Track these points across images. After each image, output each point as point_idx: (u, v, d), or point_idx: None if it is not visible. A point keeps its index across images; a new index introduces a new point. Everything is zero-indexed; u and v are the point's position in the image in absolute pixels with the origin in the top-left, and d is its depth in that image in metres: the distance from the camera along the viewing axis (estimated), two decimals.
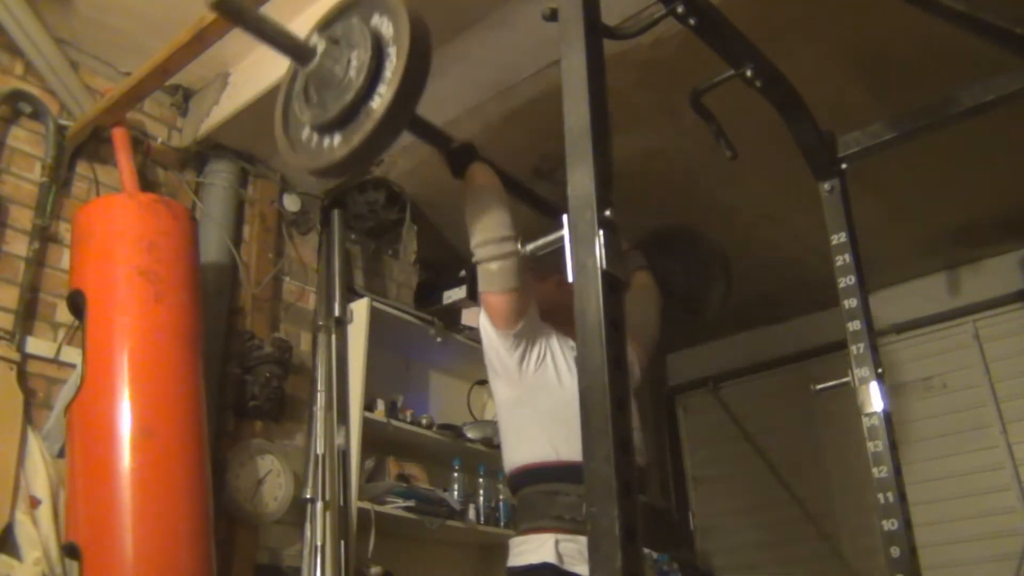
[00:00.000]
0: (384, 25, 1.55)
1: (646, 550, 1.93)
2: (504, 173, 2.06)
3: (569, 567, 1.75)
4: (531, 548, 1.81)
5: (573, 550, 1.76)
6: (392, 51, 1.50)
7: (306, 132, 1.60)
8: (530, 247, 1.70)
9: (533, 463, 1.90)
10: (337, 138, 1.54)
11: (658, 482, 4.44)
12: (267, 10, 2.20)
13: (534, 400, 1.92)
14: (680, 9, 1.42)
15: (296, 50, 1.55)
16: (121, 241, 2.22)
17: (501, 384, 1.98)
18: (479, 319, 1.98)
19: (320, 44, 1.54)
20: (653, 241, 2.70)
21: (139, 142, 2.73)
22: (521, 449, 1.94)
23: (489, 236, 1.87)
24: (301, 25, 2.53)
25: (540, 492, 1.86)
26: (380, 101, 1.46)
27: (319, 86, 1.54)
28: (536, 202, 2.26)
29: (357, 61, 1.50)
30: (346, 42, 1.55)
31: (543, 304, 2.04)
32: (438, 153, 2.04)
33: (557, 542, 1.77)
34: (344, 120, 1.51)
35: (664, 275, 2.61)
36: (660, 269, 2.61)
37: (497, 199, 1.94)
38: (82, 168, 2.59)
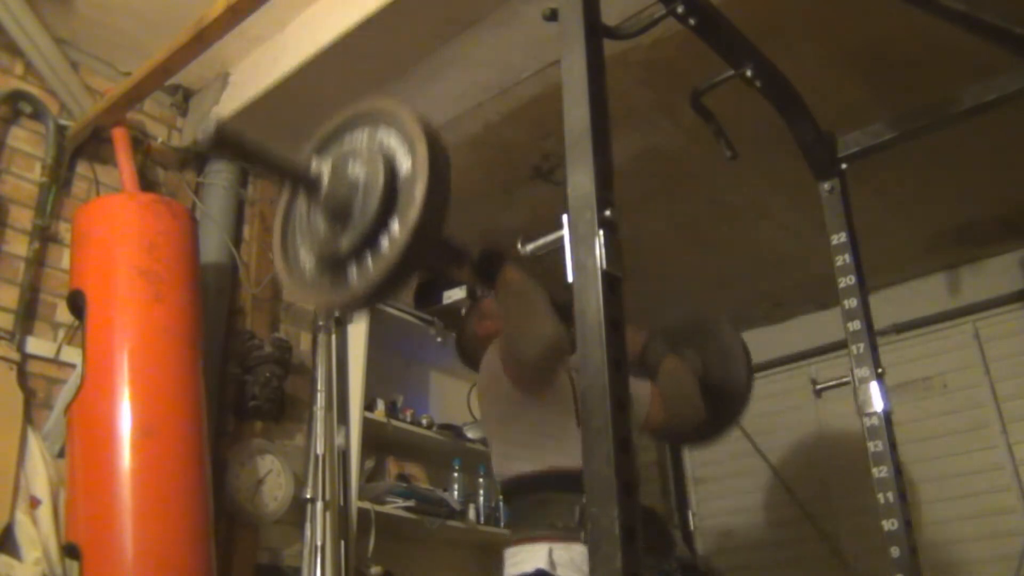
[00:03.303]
0: (394, 142, 1.32)
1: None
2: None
3: (562, 573, 1.76)
4: (525, 558, 1.82)
5: (565, 559, 1.78)
6: (406, 169, 1.26)
7: (309, 263, 1.38)
8: (530, 247, 1.70)
9: (522, 473, 1.91)
10: (342, 275, 1.31)
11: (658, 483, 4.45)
12: (267, 10, 2.22)
13: (524, 414, 1.92)
14: (680, 9, 1.42)
15: (305, 180, 1.34)
16: (121, 241, 2.21)
17: (490, 401, 2.00)
18: (491, 357, 1.95)
19: (325, 170, 1.32)
20: (670, 334, 2.46)
21: (139, 142, 2.72)
22: (509, 461, 1.96)
23: (548, 343, 1.79)
24: (302, 23, 2.55)
25: (531, 502, 1.87)
26: (397, 233, 1.22)
27: (327, 215, 1.31)
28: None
29: (368, 187, 1.27)
30: (353, 165, 1.31)
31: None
32: (461, 267, 1.96)
33: (551, 551, 1.78)
34: (349, 259, 1.28)
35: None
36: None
37: (543, 300, 1.86)
38: (82, 168, 2.59)
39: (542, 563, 1.77)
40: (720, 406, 2.34)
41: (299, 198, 1.41)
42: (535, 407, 1.91)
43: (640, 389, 2.14)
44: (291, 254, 1.40)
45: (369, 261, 1.24)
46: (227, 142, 1.21)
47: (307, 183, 1.32)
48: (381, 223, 1.23)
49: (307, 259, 1.36)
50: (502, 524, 3.26)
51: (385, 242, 1.22)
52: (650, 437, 2.32)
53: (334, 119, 1.40)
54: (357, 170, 1.28)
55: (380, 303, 1.33)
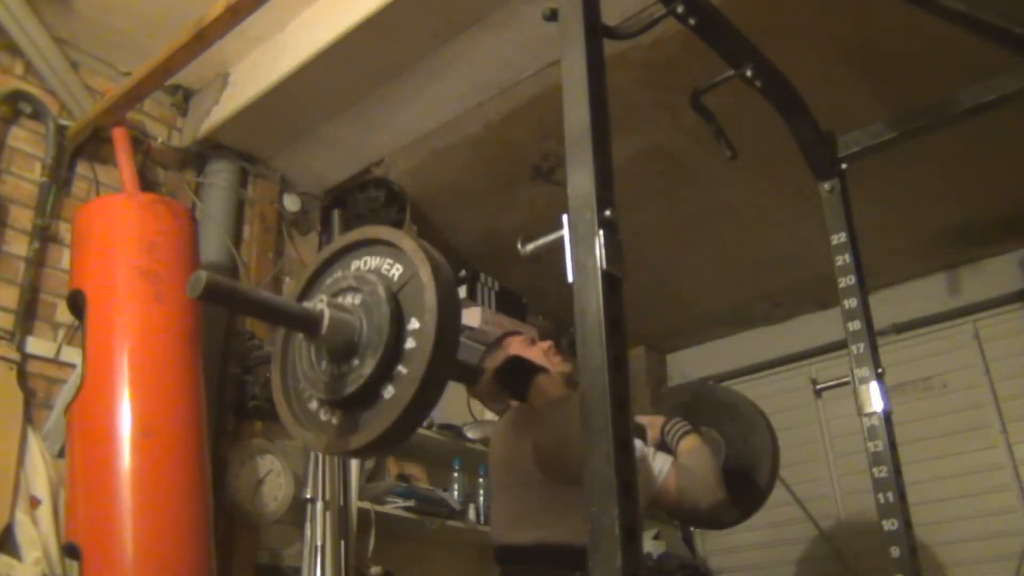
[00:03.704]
0: (375, 261, 1.30)
1: (655, 543, 1.86)
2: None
3: None
4: None
5: None
6: (399, 273, 1.25)
7: (312, 404, 1.32)
8: (530, 247, 1.69)
9: (519, 544, 1.84)
10: (348, 420, 1.25)
11: None
12: (267, 10, 2.22)
13: (538, 491, 1.83)
14: (680, 9, 1.42)
15: (304, 322, 1.26)
16: (121, 241, 2.22)
17: (505, 473, 1.92)
18: (520, 445, 1.85)
19: (321, 306, 1.26)
20: (688, 414, 2.28)
21: (139, 142, 2.72)
22: (509, 530, 1.89)
23: None
24: (302, 23, 2.55)
25: (524, 573, 1.82)
26: (420, 324, 1.20)
27: (334, 351, 1.26)
28: None
29: (371, 305, 1.24)
30: (345, 297, 1.28)
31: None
32: (475, 382, 1.90)
33: None
34: (355, 404, 1.23)
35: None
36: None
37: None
38: (82, 168, 2.59)
39: None
40: (743, 488, 2.15)
41: (292, 346, 1.35)
42: (552, 486, 1.81)
43: (663, 464, 2.02)
44: (297, 405, 1.33)
45: (401, 368, 1.19)
46: (217, 293, 1.13)
47: (306, 323, 1.24)
48: (400, 328, 1.20)
49: (324, 409, 1.28)
50: None
51: (411, 342, 1.19)
52: (665, 515, 2.20)
53: (303, 274, 1.37)
54: (351, 299, 1.25)
55: (394, 446, 1.23)
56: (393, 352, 1.19)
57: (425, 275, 1.19)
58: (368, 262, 1.30)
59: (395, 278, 1.25)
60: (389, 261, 1.28)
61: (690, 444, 2.08)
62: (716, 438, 2.23)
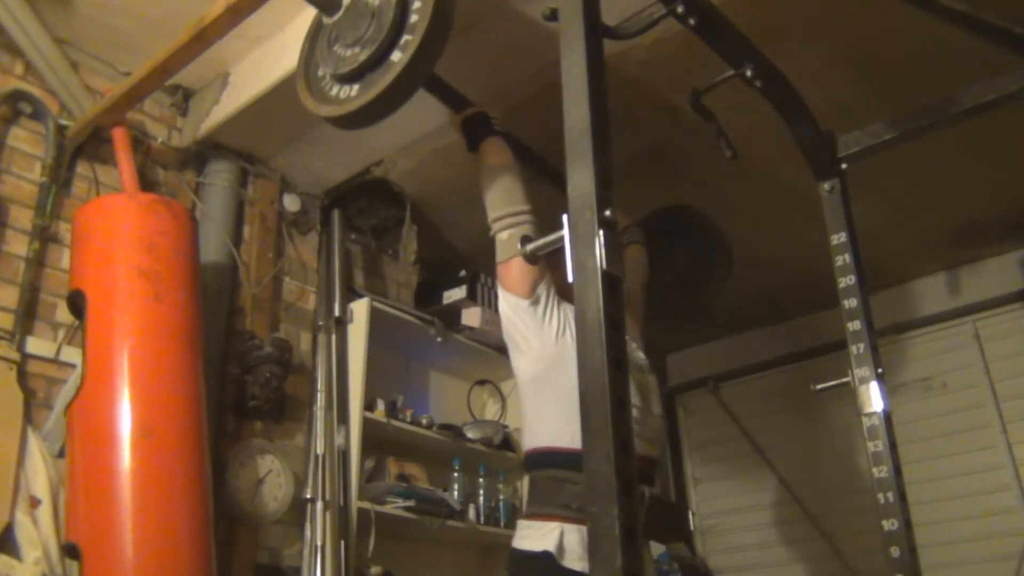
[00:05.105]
0: None
1: (654, 544, 1.94)
2: (522, 145, 2.10)
3: (568, 563, 1.73)
4: (535, 535, 1.79)
5: (576, 543, 1.74)
6: (417, 5, 1.53)
7: (327, 82, 1.65)
8: (530, 247, 1.71)
9: (547, 447, 1.88)
10: (356, 88, 1.57)
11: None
12: (267, 10, 2.22)
13: (555, 376, 1.88)
14: (680, 9, 1.42)
15: (322, 1, 1.61)
16: (121, 241, 2.21)
17: (523, 360, 1.97)
18: (500, 296, 2.02)
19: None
20: (656, 220, 2.76)
21: (139, 142, 2.72)
22: (539, 430, 1.93)
23: (502, 212, 1.97)
24: (302, 23, 2.54)
25: (549, 478, 1.85)
26: (401, 54, 1.49)
27: (343, 36, 1.58)
28: (555, 177, 2.29)
29: (381, 13, 1.54)
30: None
31: (561, 288, 2.04)
32: (452, 122, 2.08)
33: (562, 532, 1.75)
34: (365, 70, 1.55)
35: (664, 254, 2.69)
36: (660, 247, 2.67)
37: (511, 176, 2.00)
38: (82, 168, 2.59)
39: (551, 545, 1.74)
40: (696, 300, 2.80)
41: (321, 34, 1.67)
42: (566, 369, 1.84)
43: None
44: (312, 75, 1.67)
45: (406, 36, 1.49)
46: None
47: (325, 2, 1.59)
48: (388, 46, 1.50)
49: (325, 78, 1.61)
50: (502, 524, 3.26)
51: (414, 16, 1.48)
52: None
53: None
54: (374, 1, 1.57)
55: (379, 118, 1.62)
56: (399, 24, 1.50)
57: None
58: None
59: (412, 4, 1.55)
60: None
61: (632, 255, 2.45)
62: (681, 257, 2.81)
